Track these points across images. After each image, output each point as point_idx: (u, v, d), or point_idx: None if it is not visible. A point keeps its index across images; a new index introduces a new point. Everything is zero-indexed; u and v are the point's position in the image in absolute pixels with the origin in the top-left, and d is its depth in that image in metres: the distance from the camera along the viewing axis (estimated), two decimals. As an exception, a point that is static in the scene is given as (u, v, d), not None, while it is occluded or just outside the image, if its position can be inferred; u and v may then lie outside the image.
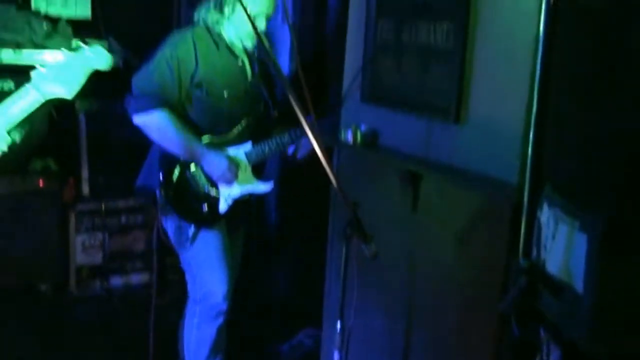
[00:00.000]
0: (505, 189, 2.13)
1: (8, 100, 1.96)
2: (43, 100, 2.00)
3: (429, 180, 2.52)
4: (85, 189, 4.30)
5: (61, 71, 1.97)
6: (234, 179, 2.88)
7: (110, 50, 4.27)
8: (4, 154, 2.05)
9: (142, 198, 4.15)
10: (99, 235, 4.28)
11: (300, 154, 3.04)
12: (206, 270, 2.96)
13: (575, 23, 1.84)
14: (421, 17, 2.44)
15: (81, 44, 2.03)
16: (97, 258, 4.29)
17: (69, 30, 4.26)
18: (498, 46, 2.20)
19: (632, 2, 1.68)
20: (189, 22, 2.98)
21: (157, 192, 2.92)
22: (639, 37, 1.64)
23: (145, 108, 2.76)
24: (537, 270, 1.67)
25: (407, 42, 2.53)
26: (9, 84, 3.98)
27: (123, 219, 4.38)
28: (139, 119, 2.79)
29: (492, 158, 2.23)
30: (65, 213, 4.21)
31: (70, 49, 4.14)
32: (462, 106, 2.33)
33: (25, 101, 1.96)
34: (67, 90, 1.99)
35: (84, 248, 4.26)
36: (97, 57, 2.03)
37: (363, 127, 2.79)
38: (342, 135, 2.80)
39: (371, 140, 2.78)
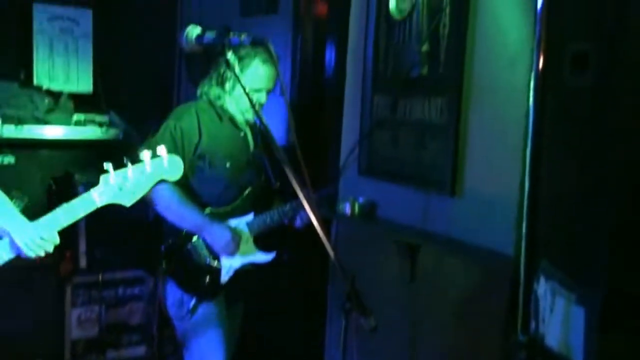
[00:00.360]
0: (502, 261, 2.16)
1: (69, 206, 1.93)
2: (101, 206, 1.95)
3: (426, 252, 2.55)
4: (83, 262, 4.28)
5: (129, 183, 1.93)
6: (236, 251, 2.89)
7: (111, 123, 4.40)
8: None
9: (142, 268, 4.18)
10: (96, 308, 4.24)
11: (298, 224, 3.07)
12: (204, 343, 2.93)
13: (564, 100, 1.91)
14: (416, 93, 2.53)
15: (162, 154, 1.95)
16: (93, 331, 4.23)
17: (71, 104, 4.35)
18: (491, 121, 2.28)
19: (618, 82, 1.77)
20: (189, 96, 3.07)
21: (158, 264, 2.93)
22: (625, 116, 1.71)
23: None
24: (536, 344, 1.68)
25: (403, 117, 2.62)
26: (9, 159, 4.04)
27: (120, 291, 4.35)
28: None
29: (488, 230, 2.27)
30: (62, 287, 4.18)
31: (70, 123, 4.26)
32: (457, 179, 2.39)
33: (85, 209, 1.94)
34: (128, 201, 1.96)
35: (80, 322, 4.21)
36: (171, 169, 1.99)
37: (361, 199, 2.84)
38: (340, 207, 2.84)
39: (369, 212, 2.82)
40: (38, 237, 1.89)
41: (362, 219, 2.80)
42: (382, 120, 2.73)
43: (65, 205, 1.91)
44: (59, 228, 1.92)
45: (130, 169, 1.91)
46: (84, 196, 1.92)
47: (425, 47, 2.48)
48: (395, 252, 2.67)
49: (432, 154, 2.49)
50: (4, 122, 4.03)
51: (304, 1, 3.88)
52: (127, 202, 1.94)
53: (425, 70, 2.50)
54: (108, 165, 1.90)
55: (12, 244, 1.92)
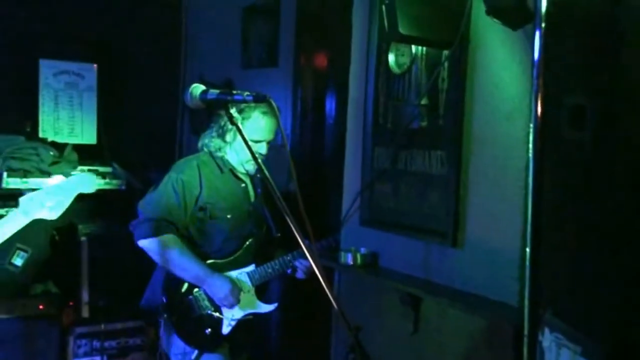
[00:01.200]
0: (506, 313, 2.16)
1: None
2: (28, 222, 2.16)
3: (429, 303, 2.55)
4: (85, 312, 4.27)
5: (49, 196, 2.16)
6: (236, 302, 2.90)
7: (114, 174, 4.44)
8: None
9: (144, 319, 4.16)
10: (97, 359, 4.22)
11: (300, 275, 3.08)
12: (207, 395, 2.91)
13: (562, 151, 1.95)
14: (416, 145, 2.57)
15: (72, 172, 2.22)
16: (95, 383, 4.20)
17: (75, 156, 4.40)
18: (491, 172, 2.31)
19: (616, 135, 1.80)
20: (191, 148, 3.12)
21: (160, 316, 2.93)
22: (623, 169, 1.75)
23: (150, 233, 2.83)
24: (542, 398, 1.67)
25: (404, 169, 2.65)
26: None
27: (122, 341, 4.33)
28: (143, 243, 2.85)
29: (491, 281, 2.28)
30: (64, 337, 4.17)
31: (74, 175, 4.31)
32: (458, 230, 2.41)
33: (13, 225, 2.12)
34: (53, 213, 2.19)
35: (82, 373, 4.18)
36: (83, 182, 2.25)
37: (363, 250, 2.85)
38: (342, 258, 2.85)
39: (371, 262, 2.83)
40: None
41: (364, 270, 2.81)
42: (383, 172, 2.76)
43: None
44: None
45: (46, 188, 2.20)
46: (8, 217, 2.15)
47: (424, 101, 2.53)
48: (398, 303, 2.67)
49: (433, 205, 2.51)
50: (9, 174, 4.08)
51: (303, 54, 3.97)
52: (52, 216, 2.21)
53: (425, 123, 2.55)
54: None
55: None
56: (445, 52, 2.42)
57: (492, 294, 2.27)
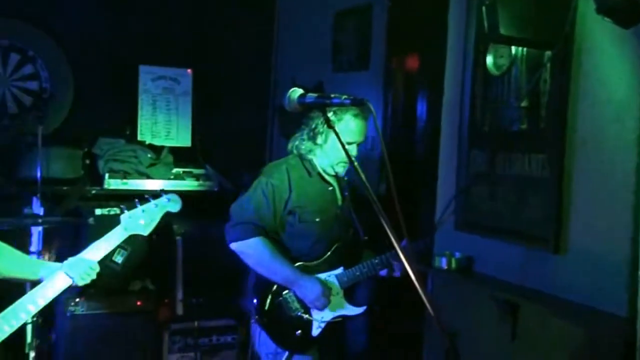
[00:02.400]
0: (612, 323, 2.07)
1: (104, 238, 2.37)
2: (126, 236, 2.45)
3: (528, 310, 2.48)
4: (179, 310, 4.42)
5: (143, 215, 2.44)
6: (327, 304, 2.91)
7: (207, 176, 4.57)
8: (109, 276, 2.30)
9: (235, 317, 4.25)
10: (191, 355, 4.35)
11: (397, 274, 3.05)
12: (297, 396, 2.94)
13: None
14: (515, 148, 2.51)
15: (162, 193, 2.54)
16: (189, 378, 4.33)
17: (171, 158, 4.57)
18: (597, 176, 2.22)
19: None
20: (281, 150, 3.16)
21: (252, 316, 2.99)
22: None
23: (242, 236, 2.90)
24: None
25: (502, 172, 2.59)
26: (115, 210, 4.25)
27: (214, 338, 4.44)
28: (236, 247, 2.91)
29: (596, 289, 2.19)
30: (160, 332, 4.32)
31: (170, 176, 4.47)
32: (560, 236, 2.33)
33: (116, 239, 2.39)
34: (145, 230, 2.46)
35: (177, 367, 4.32)
36: (172, 203, 2.51)
37: (457, 254, 2.80)
38: (436, 261, 2.82)
39: (466, 267, 2.78)
40: (88, 268, 2.28)
41: (459, 274, 2.76)
42: (479, 175, 2.71)
43: (99, 241, 2.37)
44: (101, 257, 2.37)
45: (143, 207, 2.44)
46: (112, 232, 2.40)
47: (525, 103, 2.47)
48: (494, 310, 2.61)
49: (533, 210, 2.44)
50: (110, 175, 4.28)
51: (394, 56, 3.95)
52: (144, 232, 2.47)
53: (525, 125, 2.48)
54: (123, 207, 2.45)
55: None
56: (548, 53, 2.35)
57: (597, 303, 2.18)
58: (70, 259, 2.26)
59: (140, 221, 2.42)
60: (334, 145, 2.96)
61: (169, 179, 4.47)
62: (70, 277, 2.23)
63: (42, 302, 2.19)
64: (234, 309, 3.59)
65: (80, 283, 2.26)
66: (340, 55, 4.35)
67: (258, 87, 5.06)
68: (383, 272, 3.08)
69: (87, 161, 4.36)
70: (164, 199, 2.49)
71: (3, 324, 2.13)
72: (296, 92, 2.13)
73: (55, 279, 2.22)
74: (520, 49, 2.48)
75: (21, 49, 4.43)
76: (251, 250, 2.90)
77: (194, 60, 4.83)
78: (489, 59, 2.63)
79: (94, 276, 2.30)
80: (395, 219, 1.89)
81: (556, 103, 2.33)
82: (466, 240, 2.82)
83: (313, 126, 3.01)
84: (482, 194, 2.71)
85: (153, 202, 2.46)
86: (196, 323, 4.36)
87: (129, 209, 2.45)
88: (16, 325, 2.16)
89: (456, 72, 2.86)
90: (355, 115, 2.91)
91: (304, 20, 4.80)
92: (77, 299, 3.96)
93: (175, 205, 2.52)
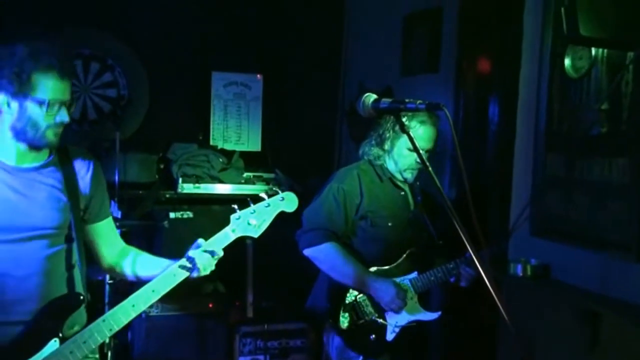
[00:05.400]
0: None
1: (212, 241, 2.19)
2: (235, 239, 2.24)
3: (609, 320, 2.39)
4: (250, 312, 4.48)
5: (254, 216, 2.22)
6: (403, 306, 2.89)
7: (277, 180, 4.63)
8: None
9: (305, 321, 4.28)
10: (261, 358, 4.40)
11: (463, 283, 3.01)
12: (369, 401, 2.93)
13: None
14: (595, 152, 2.43)
15: (277, 190, 2.28)
16: (259, 380, 4.39)
17: (241, 163, 4.65)
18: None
19: None
20: (350, 154, 3.16)
21: (325, 321, 3.00)
22: None
23: (314, 242, 2.91)
24: None
25: (580, 177, 2.52)
26: (188, 214, 4.36)
27: (283, 342, 4.48)
28: (309, 252, 2.93)
29: (684, 299, 2.09)
30: (231, 334, 4.40)
31: (241, 180, 4.52)
32: (644, 243, 2.25)
33: (224, 241, 2.21)
34: (256, 231, 2.24)
35: (247, 369, 4.38)
36: (287, 203, 2.26)
37: (533, 261, 2.74)
38: (512, 268, 2.76)
39: (542, 274, 2.71)
40: (210, 258, 2.15)
41: (535, 281, 2.69)
42: (556, 179, 2.64)
43: (209, 241, 2.18)
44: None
45: (253, 207, 2.21)
46: (221, 233, 2.20)
47: (605, 106, 2.39)
48: (572, 318, 2.53)
49: (614, 216, 2.36)
50: (184, 180, 4.39)
51: (465, 59, 3.90)
52: (255, 234, 2.23)
53: (605, 129, 2.40)
54: (235, 206, 2.20)
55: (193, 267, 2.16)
56: (630, 54, 2.27)
57: (685, 314, 2.08)
58: (193, 249, 2.16)
59: (250, 222, 2.20)
60: (400, 152, 2.95)
61: (240, 183, 4.54)
62: (195, 266, 2.12)
63: (153, 298, 2.11)
64: (304, 313, 3.62)
65: (203, 273, 2.15)
66: (409, 59, 4.32)
67: (327, 91, 5.09)
68: (452, 280, 3.04)
69: (162, 166, 4.48)
70: (277, 197, 2.24)
71: (120, 317, 2.08)
72: (370, 97, 2.12)
73: (175, 271, 2.14)
74: (600, 50, 2.41)
75: (101, 57, 4.61)
76: (324, 255, 2.91)
77: (264, 66, 4.90)
78: (567, 61, 2.57)
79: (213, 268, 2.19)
80: (468, 224, 1.86)
81: (639, 105, 2.24)
82: (542, 246, 2.75)
83: (381, 132, 3.01)
84: (558, 199, 2.64)
85: (265, 201, 2.23)
86: (266, 326, 4.42)
87: (240, 208, 2.24)
88: (143, 307, 2.11)
89: (532, 75, 2.80)
90: (422, 122, 2.89)
91: (372, 24, 4.79)
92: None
93: (290, 205, 2.27)
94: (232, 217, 2.21)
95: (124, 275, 2.33)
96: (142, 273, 2.27)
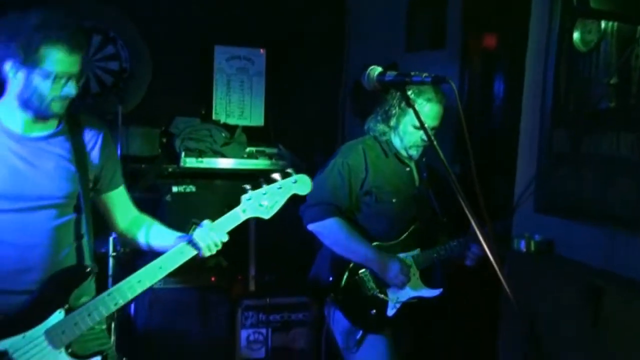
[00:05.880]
0: None
1: (221, 220, 2.19)
2: (245, 219, 2.22)
3: (612, 295, 2.39)
4: (252, 286, 4.50)
5: (266, 197, 2.20)
6: (406, 281, 2.89)
7: (280, 155, 4.61)
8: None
9: (307, 295, 4.30)
10: (263, 331, 4.43)
11: (468, 262, 3.01)
12: (370, 375, 2.95)
13: None
14: (603, 127, 2.41)
15: (291, 171, 2.23)
16: (260, 353, 4.42)
17: (244, 137, 4.63)
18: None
19: None
20: (353, 130, 3.14)
21: (327, 294, 3.01)
22: None
23: (318, 217, 2.91)
24: None
25: (587, 153, 2.50)
26: (190, 187, 4.35)
27: (285, 315, 4.51)
28: (313, 227, 2.93)
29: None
30: (233, 308, 4.42)
31: (243, 155, 4.50)
32: (651, 219, 2.24)
33: (234, 222, 2.21)
34: (267, 213, 2.22)
35: (249, 342, 4.41)
36: (299, 185, 2.23)
37: (537, 237, 2.73)
38: (515, 244, 2.75)
39: (546, 250, 2.71)
40: (215, 239, 2.16)
41: (539, 257, 2.69)
42: (562, 155, 2.62)
43: (219, 220, 2.19)
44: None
45: (265, 188, 2.19)
46: (231, 213, 2.19)
47: (614, 80, 2.36)
48: (575, 294, 2.53)
49: (622, 192, 2.34)
50: (186, 154, 4.37)
51: (471, 34, 3.86)
52: (266, 215, 2.22)
53: (613, 103, 2.38)
54: (247, 186, 2.19)
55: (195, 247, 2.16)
56: (640, 27, 2.24)
57: (689, 290, 2.08)
58: (198, 230, 2.17)
59: (262, 203, 2.18)
60: (406, 129, 2.93)
61: (243, 157, 4.52)
62: (198, 248, 2.15)
63: (160, 275, 2.11)
64: (307, 283, 3.63)
65: (207, 254, 2.17)
66: (415, 34, 4.28)
67: (330, 66, 5.05)
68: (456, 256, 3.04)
69: (164, 140, 4.46)
70: (290, 179, 2.21)
71: (126, 292, 2.10)
72: (375, 70, 2.10)
73: (183, 248, 2.15)
74: (610, 23, 2.37)
75: (103, 30, 4.56)
76: (328, 230, 2.91)
77: (268, 40, 4.85)
78: (576, 35, 2.53)
79: (219, 247, 2.20)
80: (473, 200, 1.86)
81: (649, 79, 2.22)
82: (546, 222, 2.74)
83: (387, 108, 2.99)
84: (564, 175, 2.63)
85: (278, 183, 2.20)
86: (268, 300, 4.44)
87: (253, 188, 2.20)
88: (148, 284, 2.11)
89: (539, 49, 2.76)
90: (429, 100, 2.86)
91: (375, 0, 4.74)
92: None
93: (303, 188, 2.23)
94: (243, 197, 2.19)
95: (137, 244, 2.34)
96: (155, 243, 2.28)
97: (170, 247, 2.17)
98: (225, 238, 2.19)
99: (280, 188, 2.20)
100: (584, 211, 2.54)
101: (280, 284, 4.45)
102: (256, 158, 4.55)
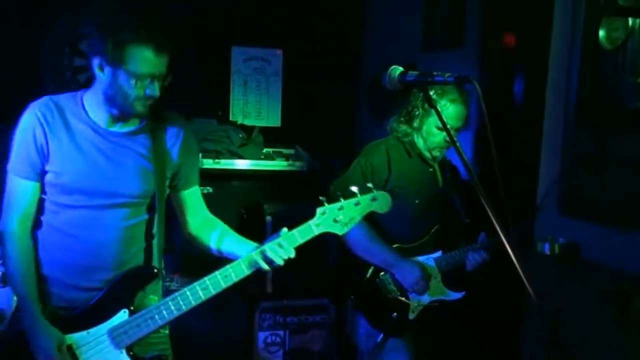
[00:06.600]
0: None
1: (293, 233, 2.15)
2: (318, 234, 2.15)
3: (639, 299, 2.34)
4: (269, 288, 4.48)
5: (341, 212, 2.11)
6: (426, 288, 2.86)
7: (297, 156, 4.59)
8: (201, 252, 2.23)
9: (324, 297, 4.27)
10: (280, 333, 4.41)
11: (468, 268, 2.95)
12: (391, 379, 2.92)
13: None
14: (630, 128, 2.36)
15: (371, 186, 2.14)
16: (278, 355, 4.39)
17: (261, 138, 4.61)
18: None
19: None
20: (371, 131, 3.10)
21: (346, 297, 2.98)
22: None
23: None
24: None
25: (613, 154, 2.45)
26: (207, 189, 4.34)
27: (302, 317, 4.48)
28: None
29: None
30: (250, 310, 4.40)
31: (260, 156, 4.48)
32: (680, 222, 2.18)
33: (306, 235, 2.15)
34: (342, 229, 2.13)
35: (266, 344, 4.40)
36: (378, 203, 2.15)
37: (561, 240, 2.68)
38: (539, 247, 2.71)
39: (571, 253, 2.66)
40: (282, 256, 2.11)
41: (563, 260, 2.64)
42: (587, 156, 2.57)
43: (288, 233, 2.13)
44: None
45: (342, 202, 2.10)
46: (304, 226, 2.13)
47: (641, 79, 2.31)
48: (600, 298, 2.48)
49: (648, 194, 2.29)
50: (204, 155, 4.36)
51: (491, 32, 3.80)
52: (340, 231, 2.12)
53: (640, 104, 2.33)
54: (323, 199, 2.10)
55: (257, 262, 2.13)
56: (669, 24, 2.19)
57: None
58: (271, 244, 2.13)
59: (337, 218, 2.09)
60: (429, 130, 2.90)
61: (260, 158, 4.51)
62: (268, 262, 2.12)
63: (224, 284, 2.12)
64: (323, 289, 3.60)
65: (268, 268, 2.14)
66: (432, 33, 4.22)
67: (347, 66, 5.02)
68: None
69: (182, 141, 4.46)
70: (369, 196, 2.12)
71: (190, 297, 2.11)
72: (397, 69, 2.07)
73: (252, 261, 2.12)
74: (638, 20, 2.32)
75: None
76: (350, 232, 2.87)
77: (284, 41, 4.84)
78: (602, 33, 2.48)
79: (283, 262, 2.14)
80: (495, 201, 1.82)
81: (678, 79, 2.17)
82: (571, 225, 2.69)
83: (410, 109, 2.96)
84: (589, 177, 2.58)
85: (355, 198, 2.11)
86: (285, 301, 4.41)
87: (329, 201, 2.11)
88: (213, 292, 2.11)
89: (562, 48, 2.72)
90: (453, 101, 2.83)
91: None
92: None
93: (382, 206, 2.14)
94: (318, 210, 2.12)
95: (207, 247, 2.33)
96: (226, 249, 2.26)
97: (240, 256, 2.15)
98: (292, 254, 2.13)
99: (357, 204, 2.12)
100: (609, 213, 2.49)
101: (297, 285, 4.42)
102: (273, 159, 4.53)
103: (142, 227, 2.16)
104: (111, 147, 2.08)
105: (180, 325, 4.04)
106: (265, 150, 4.57)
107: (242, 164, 4.45)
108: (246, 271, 2.12)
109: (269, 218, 4.54)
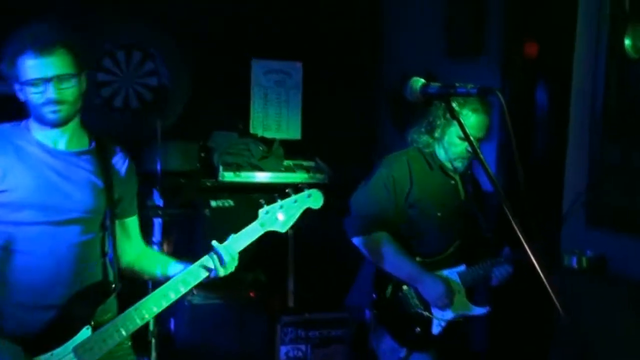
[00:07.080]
0: None
1: (241, 234, 2.21)
2: (262, 233, 2.27)
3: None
4: (291, 302, 4.46)
5: (282, 210, 2.26)
6: (450, 304, 2.81)
7: (317, 168, 4.57)
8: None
9: (346, 311, 4.24)
10: (302, 347, 4.38)
11: (494, 282, 2.90)
12: (414, 395, 2.87)
13: None
14: (657, 139, 2.31)
15: (304, 187, 2.30)
16: (300, 370, 4.37)
17: (281, 151, 4.61)
18: None
19: None
20: (393, 142, 3.08)
21: (369, 312, 2.94)
22: None
23: (364, 230, 2.84)
24: None
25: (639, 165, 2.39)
26: (229, 202, 4.34)
27: (324, 332, 4.45)
28: (358, 241, 2.87)
29: None
30: (272, 323, 4.38)
31: (281, 168, 4.48)
32: None
33: (252, 236, 2.24)
34: (283, 227, 2.29)
35: (288, 358, 4.37)
36: (313, 199, 2.30)
37: (589, 252, 2.63)
38: (566, 260, 2.65)
39: (599, 266, 2.60)
40: (230, 258, 2.16)
41: (591, 274, 2.58)
42: (613, 168, 2.52)
43: (237, 235, 2.21)
44: (238, 250, 2.22)
45: (281, 202, 2.25)
46: (249, 226, 2.23)
47: (669, 88, 2.26)
48: (631, 312, 2.42)
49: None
50: (224, 168, 4.37)
51: (512, 40, 3.76)
52: (282, 229, 2.28)
53: (669, 114, 2.27)
54: (262, 201, 2.24)
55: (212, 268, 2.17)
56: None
57: None
58: (220, 248, 2.16)
59: (278, 217, 2.25)
60: (451, 140, 2.85)
61: (280, 171, 4.51)
62: (211, 268, 2.15)
63: (183, 290, 2.13)
64: (345, 303, 3.57)
65: (221, 274, 2.16)
66: (453, 40, 4.19)
67: (367, 78, 5.01)
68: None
69: (203, 154, 4.47)
70: (304, 194, 2.29)
71: (152, 306, 2.10)
72: (418, 81, 2.04)
73: (196, 269, 2.15)
74: (664, 29, 2.27)
75: (143, 46, 4.60)
76: (373, 245, 2.84)
77: (304, 53, 4.83)
78: (627, 41, 2.43)
79: (233, 268, 2.19)
80: (520, 213, 1.78)
81: None
82: (598, 237, 2.63)
83: (431, 119, 2.92)
84: (616, 188, 2.52)
85: (293, 197, 2.27)
86: (307, 315, 4.39)
87: (268, 203, 2.28)
88: (174, 298, 2.12)
89: (587, 57, 2.67)
90: (475, 110, 2.78)
91: (412, 5, 4.68)
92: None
93: (316, 202, 2.30)
94: (260, 211, 2.25)
95: (144, 275, 2.34)
96: (171, 272, 2.24)
97: (161, 276, 2.22)
98: (235, 257, 2.19)
99: (295, 202, 2.27)
100: (637, 226, 2.43)
101: (319, 299, 4.39)
102: (293, 171, 4.52)
103: (97, 243, 2.18)
104: (62, 164, 2.09)
105: (202, 340, 4.09)
106: (285, 162, 4.57)
107: (262, 177, 4.45)
108: (201, 275, 2.15)
109: (290, 231, 4.53)
